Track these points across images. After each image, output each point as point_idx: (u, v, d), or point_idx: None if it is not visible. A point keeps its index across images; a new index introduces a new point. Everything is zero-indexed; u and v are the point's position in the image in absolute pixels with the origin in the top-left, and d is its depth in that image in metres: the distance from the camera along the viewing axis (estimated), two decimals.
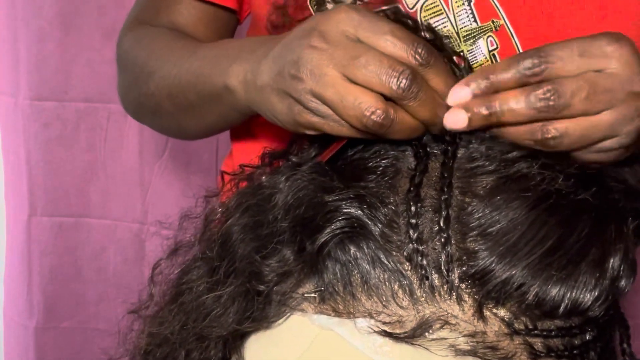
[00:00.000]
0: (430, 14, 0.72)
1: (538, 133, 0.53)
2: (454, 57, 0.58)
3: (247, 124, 0.87)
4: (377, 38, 0.53)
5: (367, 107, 0.52)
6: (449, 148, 0.54)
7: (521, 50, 0.71)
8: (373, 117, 0.52)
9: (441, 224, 0.50)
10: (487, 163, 0.53)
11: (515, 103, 0.52)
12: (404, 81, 0.52)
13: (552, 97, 0.52)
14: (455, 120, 0.54)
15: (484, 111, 0.53)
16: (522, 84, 0.53)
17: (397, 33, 0.53)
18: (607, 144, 0.54)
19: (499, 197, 0.51)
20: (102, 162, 1.62)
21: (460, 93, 0.54)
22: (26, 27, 1.54)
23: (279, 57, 0.58)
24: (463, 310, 0.49)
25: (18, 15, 1.53)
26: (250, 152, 0.87)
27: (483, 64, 0.72)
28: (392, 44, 0.53)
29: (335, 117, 0.55)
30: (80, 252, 1.66)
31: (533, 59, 0.53)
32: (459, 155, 0.54)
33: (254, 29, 0.86)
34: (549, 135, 0.53)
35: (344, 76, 0.53)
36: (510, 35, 0.72)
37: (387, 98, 0.53)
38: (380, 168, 0.54)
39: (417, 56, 0.53)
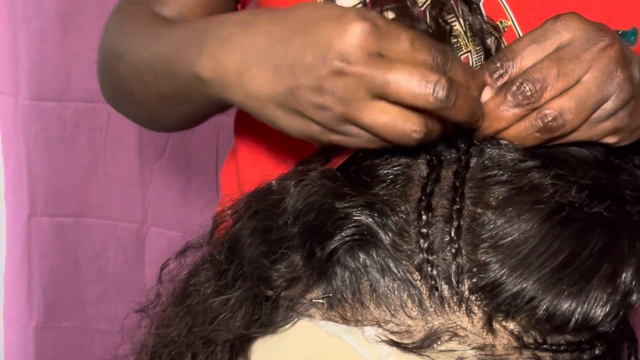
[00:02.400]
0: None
1: (538, 121, 0.53)
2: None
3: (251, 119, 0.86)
4: (399, 50, 0.52)
5: (409, 127, 0.52)
6: (462, 157, 0.54)
7: None
8: (415, 135, 0.52)
9: (452, 234, 0.50)
10: (499, 173, 0.53)
11: (497, 107, 0.54)
12: (440, 92, 0.50)
13: (526, 87, 0.53)
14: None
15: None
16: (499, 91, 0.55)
17: (416, 42, 0.52)
18: (609, 106, 0.55)
19: (511, 209, 0.50)
20: (102, 162, 1.61)
21: None
22: (26, 27, 1.53)
23: (281, 68, 0.54)
24: (472, 322, 0.49)
25: (18, 15, 1.53)
26: (256, 149, 0.86)
27: None
28: (416, 54, 0.52)
29: (366, 135, 0.53)
30: (80, 252, 1.65)
31: (495, 64, 0.55)
32: (471, 164, 0.54)
33: None
34: (549, 118, 0.53)
35: (375, 96, 0.52)
36: (519, 37, 0.71)
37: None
38: (392, 175, 0.54)
39: (437, 61, 0.52)
